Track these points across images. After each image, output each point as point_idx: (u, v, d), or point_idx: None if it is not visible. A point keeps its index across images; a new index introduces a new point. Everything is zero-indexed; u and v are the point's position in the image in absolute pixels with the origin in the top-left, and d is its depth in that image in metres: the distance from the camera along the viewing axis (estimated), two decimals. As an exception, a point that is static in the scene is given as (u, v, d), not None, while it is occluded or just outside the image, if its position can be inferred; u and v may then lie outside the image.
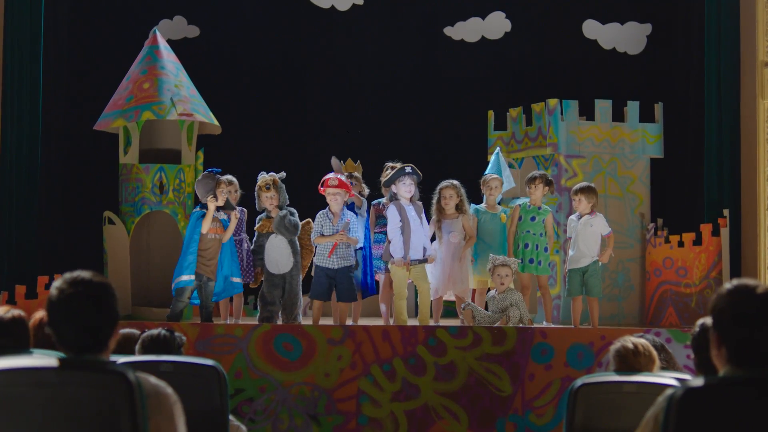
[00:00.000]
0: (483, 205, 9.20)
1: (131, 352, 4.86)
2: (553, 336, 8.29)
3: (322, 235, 8.57)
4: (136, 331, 5.15)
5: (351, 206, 8.90)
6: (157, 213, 9.51)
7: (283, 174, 8.77)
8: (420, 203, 8.84)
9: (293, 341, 8.14)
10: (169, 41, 10.09)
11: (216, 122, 9.71)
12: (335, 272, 8.57)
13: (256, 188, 8.75)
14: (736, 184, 9.93)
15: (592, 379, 4.46)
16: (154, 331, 4.79)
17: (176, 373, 4.46)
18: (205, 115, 9.59)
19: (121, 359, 4.42)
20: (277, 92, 11.51)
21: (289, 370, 8.09)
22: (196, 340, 8.05)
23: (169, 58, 9.68)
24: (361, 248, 8.87)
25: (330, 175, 8.63)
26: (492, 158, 9.55)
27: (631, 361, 4.50)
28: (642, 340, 4.60)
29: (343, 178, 8.66)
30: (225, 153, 10.33)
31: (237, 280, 8.72)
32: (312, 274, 8.72)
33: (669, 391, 2.98)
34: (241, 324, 8.44)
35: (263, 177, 8.72)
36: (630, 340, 4.57)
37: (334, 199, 8.58)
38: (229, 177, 8.92)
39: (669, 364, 5.21)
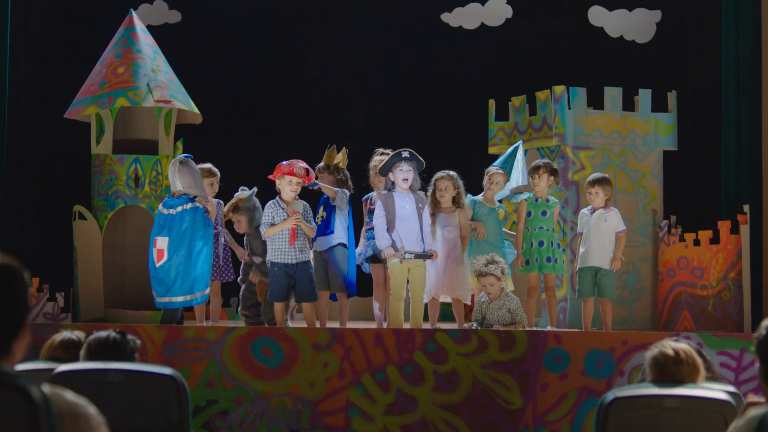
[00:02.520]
0: (481, 197, 8.76)
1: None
2: (569, 341, 7.93)
3: (273, 225, 7.98)
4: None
5: (324, 199, 8.49)
6: (132, 207, 9.30)
7: (254, 189, 8.54)
8: (421, 193, 8.28)
9: (274, 346, 7.75)
10: (148, 27, 9.98)
11: (196, 110, 9.49)
12: (294, 268, 8.04)
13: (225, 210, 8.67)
14: (756, 177, 9.78)
15: (627, 392, 4.05)
16: (103, 334, 4.29)
17: (126, 383, 4.12)
18: (185, 103, 9.38)
19: (62, 367, 4.07)
20: (263, 80, 11.42)
21: (268, 379, 7.75)
22: (162, 344, 7.71)
23: (146, 41, 9.50)
24: (342, 244, 8.45)
25: (296, 164, 8.10)
26: (510, 150, 9.28)
27: (672, 370, 4.01)
28: (683, 345, 4.13)
29: (309, 169, 8.17)
30: (205, 144, 10.11)
31: None
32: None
33: (755, 413, 2.41)
34: (214, 326, 8.09)
35: (230, 203, 8.56)
36: (670, 345, 4.09)
37: (293, 189, 8.06)
38: (210, 166, 8.71)
39: (709, 374, 4.68)
